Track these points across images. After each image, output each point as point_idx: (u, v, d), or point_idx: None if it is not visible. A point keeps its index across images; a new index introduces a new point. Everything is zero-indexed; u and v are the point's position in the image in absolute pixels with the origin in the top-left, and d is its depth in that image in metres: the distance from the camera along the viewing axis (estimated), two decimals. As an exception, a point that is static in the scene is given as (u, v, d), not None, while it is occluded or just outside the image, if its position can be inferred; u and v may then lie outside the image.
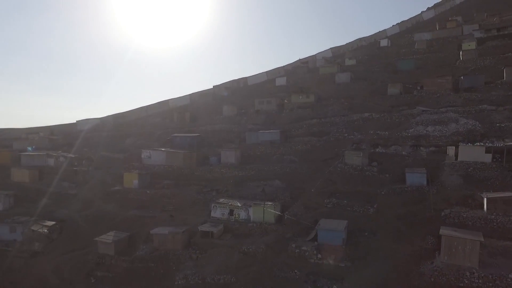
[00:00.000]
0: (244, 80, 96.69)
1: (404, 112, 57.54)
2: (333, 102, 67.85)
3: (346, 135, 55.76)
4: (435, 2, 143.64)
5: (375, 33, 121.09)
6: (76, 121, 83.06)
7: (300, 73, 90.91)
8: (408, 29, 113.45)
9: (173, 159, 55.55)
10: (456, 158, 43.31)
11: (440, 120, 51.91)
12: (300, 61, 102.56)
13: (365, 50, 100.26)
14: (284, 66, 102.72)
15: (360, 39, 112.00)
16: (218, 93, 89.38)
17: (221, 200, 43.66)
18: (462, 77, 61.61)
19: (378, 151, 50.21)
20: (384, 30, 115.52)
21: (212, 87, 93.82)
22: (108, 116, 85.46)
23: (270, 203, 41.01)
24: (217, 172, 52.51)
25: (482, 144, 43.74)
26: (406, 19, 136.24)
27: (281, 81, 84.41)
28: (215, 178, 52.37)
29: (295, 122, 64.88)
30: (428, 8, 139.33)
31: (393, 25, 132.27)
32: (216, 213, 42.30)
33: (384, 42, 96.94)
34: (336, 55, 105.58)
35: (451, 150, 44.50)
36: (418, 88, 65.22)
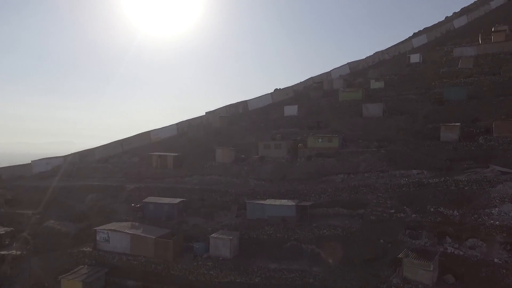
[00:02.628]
0: (244, 104, 79.18)
1: (474, 175, 39.97)
2: (364, 149, 50.32)
3: (392, 211, 38.22)
4: (462, 7, 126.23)
5: (398, 43, 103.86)
6: (31, 161, 65.69)
7: (314, 98, 73.45)
8: (438, 40, 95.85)
9: (141, 246, 38.12)
10: None
11: (539, 197, 34.41)
12: (312, 80, 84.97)
13: (391, 66, 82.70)
14: (293, 86, 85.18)
15: (382, 52, 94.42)
16: (213, 123, 71.87)
17: None
18: (549, 120, 44.17)
19: (449, 252, 32.58)
20: (410, 40, 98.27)
21: (204, 113, 76.36)
22: (74, 153, 68.19)
23: None
24: (203, 274, 35.02)
25: None
26: (429, 25, 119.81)
27: (291, 110, 66.89)
28: (201, 282, 34.97)
29: (314, 178, 47.55)
30: (455, 13, 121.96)
31: (414, 33, 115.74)
32: None
33: (415, 58, 79.28)
34: (354, 72, 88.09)
35: None
36: (482, 131, 47.75)
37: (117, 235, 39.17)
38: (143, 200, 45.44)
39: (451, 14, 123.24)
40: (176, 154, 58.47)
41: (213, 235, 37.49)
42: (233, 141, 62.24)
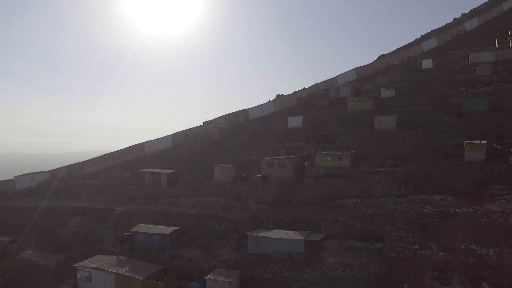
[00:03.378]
0: (244, 113, 74.20)
1: (508, 204, 34.98)
2: (378, 169, 45.28)
3: (416, 247, 33.25)
4: (471, 8, 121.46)
5: (406, 46, 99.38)
6: (14, 177, 60.72)
7: (320, 107, 68.44)
8: (449, 43, 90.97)
9: (127, 288, 33.11)
10: None
11: None
12: (317, 86, 79.95)
13: (401, 72, 77.54)
14: (296, 92, 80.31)
15: (390, 56, 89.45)
16: (211, 134, 66.89)
17: None
18: None
19: (490, 304, 27.68)
20: (419, 44, 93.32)
21: (202, 123, 71.37)
22: (61, 168, 63.26)
23: None
24: (198, 324, 30.04)
25: None
26: (436, 27, 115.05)
27: (295, 122, 61.87)
28: (195, 334, 30.01)
29: (324, 202, 42.56)
30: (463, 15, 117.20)
31: (422, 35, 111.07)
32: None
33: (427, 63, 74.39)
34: (361, 77, 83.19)
35: None
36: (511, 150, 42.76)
37: (100, 274, 34.20)
38: (132, 229, 40.40)
39: (460, 15, 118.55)
40: (170, 171, 53.50)
41: (209, 276, 32.51)
42: (233, 155, 57.34)
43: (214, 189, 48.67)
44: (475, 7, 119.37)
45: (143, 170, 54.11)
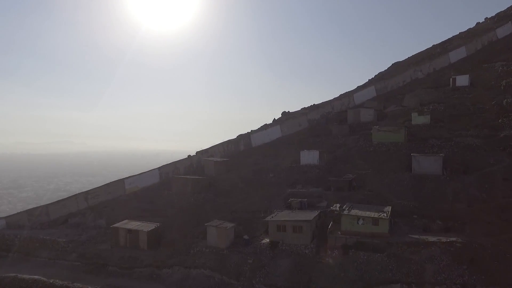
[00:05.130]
0: (245, 138, 62.45)
1: None
2: (428, 239, 33.51)
3: None
4: (498, 11, 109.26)
5: (421, 51, 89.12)
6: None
7: (337, 134, 56.71)
8: (480, 53, 79.25)
9: None
10: None
11: None
12: (331, 105, 67.97)
13: (430, 90, 65.59)
14: (307, 111, 68.68)
15: (414, 70, 77.44)
16: (205, 169, 55.26)
17: None
18: None
19: None
20: (446, 54, 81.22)
21: (195, 153, 59.76)
22: (21, 213, 52.04)
23: None
24: None
25: None
26: (456, 32, 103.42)
27: (309, 158, 50.17)
28: None
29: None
30: (487, 19, 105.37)
31: (443, 42, 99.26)
32: None
33: (462, 80, 62.86)
34: (382, 95, 71.43)
35: None
36: None
37: None
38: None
39: (483, 19, 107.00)
40: (152, 226, 41.90)
41: None
42: (231, 202, 45.93)
43: (207, 258, 37.05)
44: (502, 10, 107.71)
45: (117, 225, 42.40)
